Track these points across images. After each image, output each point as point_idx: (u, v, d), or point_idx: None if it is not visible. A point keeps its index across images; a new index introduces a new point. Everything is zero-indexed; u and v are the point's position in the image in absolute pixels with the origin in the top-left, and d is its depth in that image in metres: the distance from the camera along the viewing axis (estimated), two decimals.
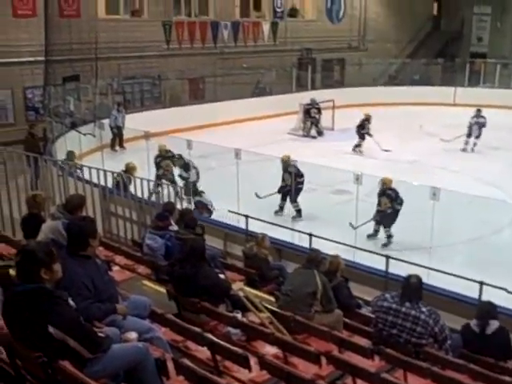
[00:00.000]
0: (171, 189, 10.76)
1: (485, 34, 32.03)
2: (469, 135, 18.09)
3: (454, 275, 7.42)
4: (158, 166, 13.39)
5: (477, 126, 18.02)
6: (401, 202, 10.90)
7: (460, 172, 15.52)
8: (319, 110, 20.32)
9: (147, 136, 13.23)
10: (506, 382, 5.02)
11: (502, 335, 5.58)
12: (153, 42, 21.42)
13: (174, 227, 7.90)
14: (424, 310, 5.34)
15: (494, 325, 5.57)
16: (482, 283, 7.01)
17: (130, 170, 11.81)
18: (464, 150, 18.10)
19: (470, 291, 7.32)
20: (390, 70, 29.24)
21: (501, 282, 7.22)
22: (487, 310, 5.69)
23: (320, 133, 20.42)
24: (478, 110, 18.34)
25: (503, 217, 11.25)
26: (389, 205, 10.94)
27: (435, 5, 32.49)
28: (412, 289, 5.46)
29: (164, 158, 13.41)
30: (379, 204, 11.10)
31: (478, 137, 18.06)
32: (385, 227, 11.11)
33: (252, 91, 23.66)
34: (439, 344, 5.47)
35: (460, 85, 26.69)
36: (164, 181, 12.30)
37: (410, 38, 30.56)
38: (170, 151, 13.54)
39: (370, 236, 11.18)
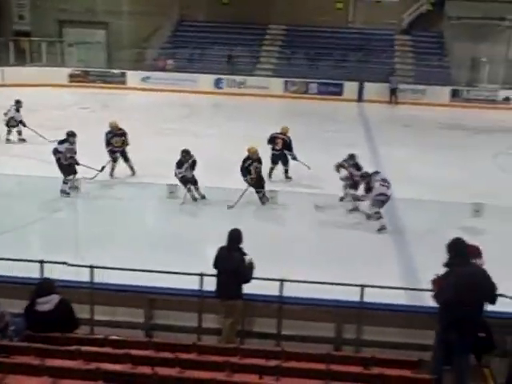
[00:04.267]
0: None
1: (25, 12, 31.45)
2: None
3: (13, 259, 6.95)
4: (108, 142, 13.21)
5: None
6: None
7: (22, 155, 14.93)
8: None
9: None
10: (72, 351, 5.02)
11: (63, 306, 5.50)
12: None
13: None
14: None
15: (54, 299, 5.45)
16: (41, 262, 6.77)
17: None
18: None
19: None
20: None
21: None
22: (46, 287, 5.54)
23: None
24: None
25: None
26: None
27: None
28: None
29: (115, 135, 13.19)
30: None
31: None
32: None
33: None
34: (1, 332, 5.21)
35: (6, 64, 25.83)
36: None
37: None
38: (121, 129, 13.37)
39: None
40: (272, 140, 13.61)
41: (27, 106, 17.16)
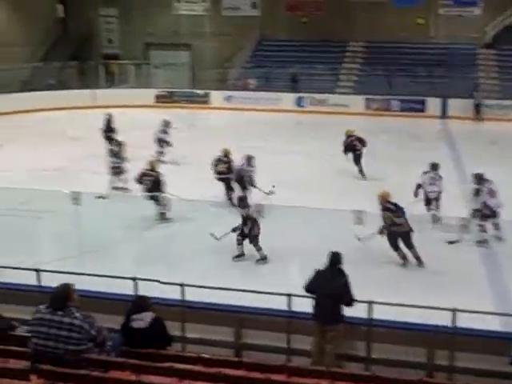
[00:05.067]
0: None
1: (114, 36, 32.98)
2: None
3: (107, 276, 7.27)
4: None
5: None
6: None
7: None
8: None
9: None
10: (166, 368, 5.13)
11: (157, 325, 5.64)
12: None
13: None
14: (77, 315, 5.09)
15: (148, 317, 5.59)
16: (134, 279, 7.02)
17: None
18: None
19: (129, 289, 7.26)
20: (22, 75, 27.80)
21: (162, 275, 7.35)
22: (140, 305, 5.71)
23: None
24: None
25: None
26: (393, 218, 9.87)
27: (60, 7, 31.99)
28: (56, 297, 5.18)
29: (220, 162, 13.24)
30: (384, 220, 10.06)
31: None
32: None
33: None
34: (100, 347, 5.29)
35: (97, 86, 27.03)
36: None
37: (39, 41, 29.55)
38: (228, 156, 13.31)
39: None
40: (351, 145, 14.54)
41: (117, 126, 17.89)
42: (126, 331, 5.71)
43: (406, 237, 9.85)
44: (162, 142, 16.95)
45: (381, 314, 6.50)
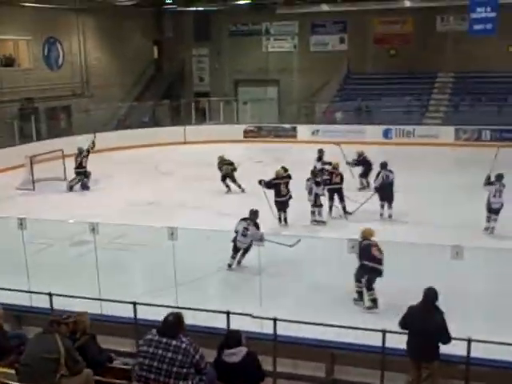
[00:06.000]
0: None
1: (205, 74, 34.25)
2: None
3: (200, 309, 7.44)
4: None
5: None
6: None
7: (200, 207, 15.95)
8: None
9: None
10: None
11: (251, 360, 5.66)
12: None
13: None
14: (184, 339, 5.34)
15: (242, 351, 5.64)
16: (228, 313, 7.13)
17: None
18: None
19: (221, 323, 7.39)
20: (119, 114, 29.35)
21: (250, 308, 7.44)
22: (234, 339, 5.76)
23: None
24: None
25: None
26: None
27: (155, 48, 33.66)
28: (167, 325, 5.42)
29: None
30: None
31: None
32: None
33: None
34: (200, 374, 5.40)
35: (188, 123, 27.95)
36: None
37: (134, 81, 31.15)
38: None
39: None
40: None
41: (207, 161, 18.38)
42: (219, 365, 5.74)
43: None
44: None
45: (481, 351, 6.27)
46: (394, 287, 9.52)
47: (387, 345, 6.57)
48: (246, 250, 11.30)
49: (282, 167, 14.59)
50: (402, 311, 6.69)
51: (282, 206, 14.02)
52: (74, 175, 18.73)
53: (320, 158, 17.26)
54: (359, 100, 28.28)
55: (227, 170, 17.52)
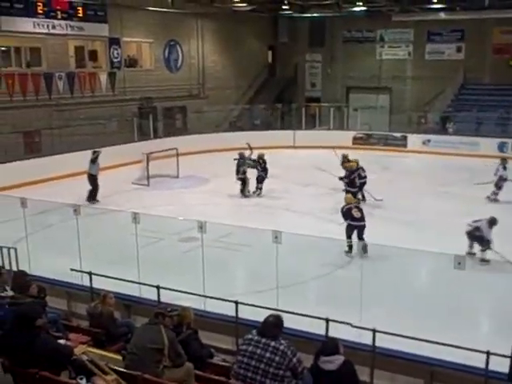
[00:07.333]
0: None
1: (317, 80, 34.38)
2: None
3: (300, 314, 7.50)
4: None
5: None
6: None
7: (304, 212, 16.02)
8: None
9: None
10: None
11: (347, 368, 5.66)
12: None
13: (9, 293, 7.36)
14: (283, 341, 5.44)
15: (338, 360, 5.65)
16: (327, 320, 7.16)
17: None
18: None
19: (319, 329, 7.42)
20: (231, 116, 30.08)
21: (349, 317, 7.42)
22: (331, 346, 5.78)
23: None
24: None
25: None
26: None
27: (270, 53, 34.23)
28: (267, 326, 5.54)
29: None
30: None
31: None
32: None
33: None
34: (297, 378, 5.45)
35: (298, 128, 28.13)
36: None
37: (248, 84, 31.83)
38: None
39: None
40: None
41: (316, 165, 18.35)
42: (315, 372, 5.72)
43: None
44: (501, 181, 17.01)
45: None
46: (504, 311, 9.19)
47: (490, 367, 6.34)
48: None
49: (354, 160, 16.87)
50: None
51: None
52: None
53: None
54: (474, 111, 27.25)
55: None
